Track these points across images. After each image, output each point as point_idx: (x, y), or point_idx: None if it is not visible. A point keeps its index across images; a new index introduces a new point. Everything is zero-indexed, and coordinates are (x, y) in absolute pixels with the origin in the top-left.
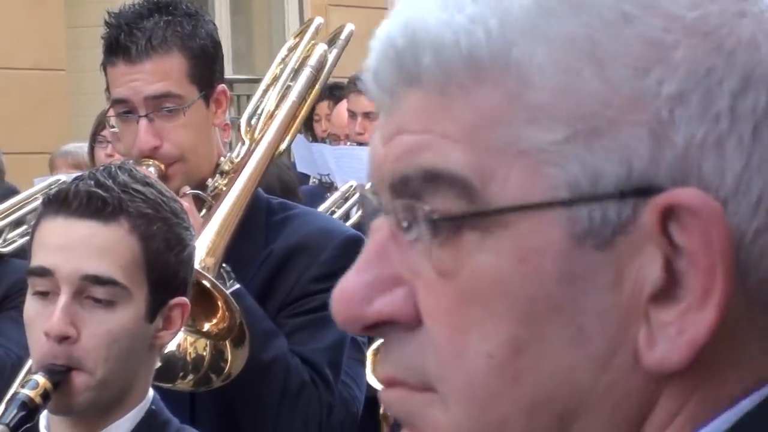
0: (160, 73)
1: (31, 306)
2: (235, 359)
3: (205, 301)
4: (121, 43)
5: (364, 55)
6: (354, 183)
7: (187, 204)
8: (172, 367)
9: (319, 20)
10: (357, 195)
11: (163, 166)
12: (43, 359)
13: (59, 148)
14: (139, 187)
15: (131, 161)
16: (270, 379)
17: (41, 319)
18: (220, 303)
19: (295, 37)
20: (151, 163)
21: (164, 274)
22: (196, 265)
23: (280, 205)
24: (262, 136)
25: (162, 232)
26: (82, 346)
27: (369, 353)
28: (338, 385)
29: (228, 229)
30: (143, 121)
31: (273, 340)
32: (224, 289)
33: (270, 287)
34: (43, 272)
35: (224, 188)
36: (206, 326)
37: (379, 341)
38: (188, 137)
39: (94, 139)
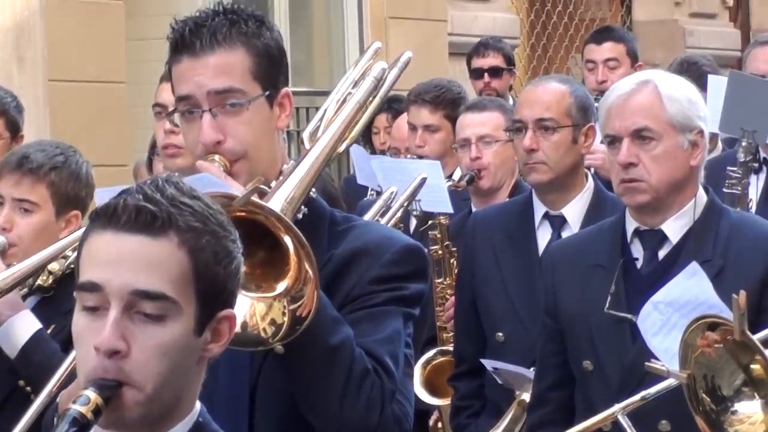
0: (224, 67)
1: (80, 321)
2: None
3: (268, 265)
4: (186, 39)
5: (423, 67)
6: (395, 189)
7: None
8: (248, 343)
9: (377, 45)
10: (399, 201)
11: (227, 163)
12: (93, 374)
13: (141, 157)
14: (186, 200)
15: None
16: (336, 363)
17: (91, 333)
18: (290, 253)
19: (355, 65)
20: (216, 158)
21: (213, 287)
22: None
23: (343, 218)
24: (321, 136)
25: (210, 245)
26: (132, 361)
27: (417, 367)
28: (399, 374)
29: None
30: (206, 116)
31: (339, 326)
32: (293, 225)
33: (331, 288)
34: (93, 287)
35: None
36: (279, 287)
37: (428, 354)
38: (251, 134)
39: (153, 151)
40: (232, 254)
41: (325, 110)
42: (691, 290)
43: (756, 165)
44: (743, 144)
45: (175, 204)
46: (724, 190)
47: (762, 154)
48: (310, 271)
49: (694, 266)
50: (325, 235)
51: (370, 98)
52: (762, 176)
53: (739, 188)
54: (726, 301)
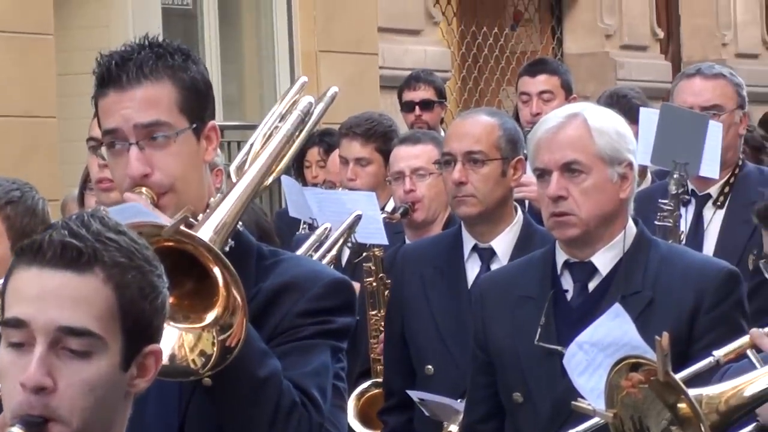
0: (151, 100)
1: (5, 357)
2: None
3: (197, 295)
4: (113, 73)
5: (354, 101)
6: (329, 225)
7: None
8: (178, 374)
9: (303, 79)
10: (332, 238)
11: (154, 196)
12: (20, 410)
13: (71, 192)
14: (112, 235)
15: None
16: (264, 396)
17: (17, 369)
18: (219, 283)
19: (282, 98)
20: (144, 190)
21: (139, 322)
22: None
23: (271, 252)
24: (248, 169)
25: (136, 280)
26: (58, 397)
27: (352, 399)
28: (327, 407)
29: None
30: (134, 149)
31: (267, 358)
32: (222, 255)
33: (259, 322)
34: (18, 323)
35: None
36: (208, 317)
37: (362, 386)
38: (178, 167)
39: (85, 185)
40: (158, 289)
41: (252, 144)
42: (614, 331)
43: (687, 197)
44: (675, 176)
45: (101, 239)
46: (656, 222)
47: (690, 186)
48: (239, 300)
49: (617, 308)
50: (252, 269)
51: (297, 132)
52: (691, 208)
53: (671, 220)
54: (655, 332)
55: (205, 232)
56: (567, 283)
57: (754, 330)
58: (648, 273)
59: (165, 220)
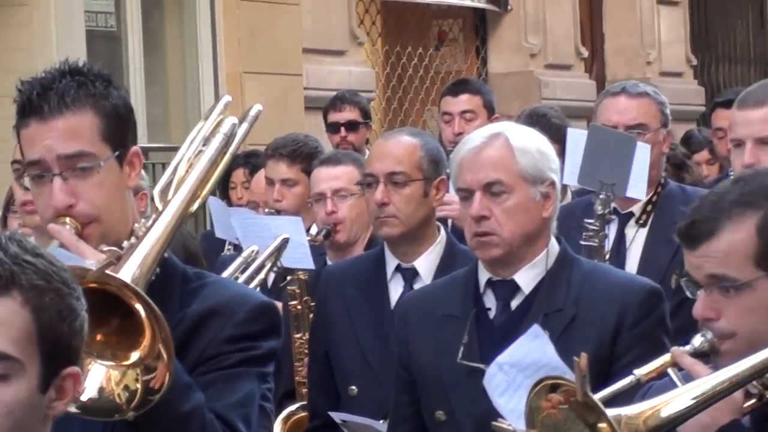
0: (74, 131)
1: None
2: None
3: (123, 333)
4: (34, 103)
5: (279, 122)
6: (256, 248)
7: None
8: (103, 411)
9: (227, 98)
10: (259, 260)
11: (78, 226)
12: None
13: None
14: (29, 258)
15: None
16: (187, 431)
17: None
18: (143, 322)
19: (206, 117)
20: (67, 221)
21: (57, 345)
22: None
23: (196, 275)
24: (173, 198)
25: (54, 303)
26: None
27: (278, 421)
28: None
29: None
30: (57, 180)
31: (191, 392)
32: (146, 297)
33: (184, 348)
34: None
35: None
36: (133, 356)
37: (290, 408)
38: (103, 196)
39: (8, 208)
40: (76, 311)
41: (176, 167)
42: (533, 352)
43: (611, 216)
44: (601, 197)
45: (18, 262)
46: (581, 242)
47: (614, 205)
48: (163, 350)
49: (536, 329)
50: (177, 294)
51: (221, 155)
52: (614, 226)
53: (597, 240)
54: (578, 349)
55: (129, 269)
56: (490, 301)
57: (675, 348)
58: (570, 291)
59: (90, 259)
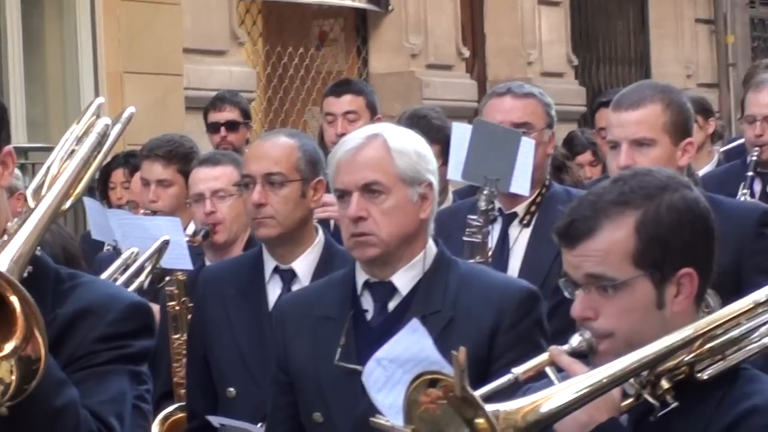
0: None
1: None
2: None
3: None
4: None
5: (160, 122)
6: (136, 249)
7: None
8: None
9: (100, 100)
10: (139, 262)
11: None
12: None
13: None
14: None
15: None
16: (61, 425)
17: None
18: (17, 313)
19: (79, 118)
20: None
21: None
22: None
23: (69, 276)
24: (44, 196)
25: None
26: None
27: (156, 422)
28: None
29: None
30: None
31: (65, 387)
32: (19, 285)
33: (57, 347)
34: None
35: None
36: (6, 347)
37: (168, 409)
38: None
39: None
40: None
41: (49, 167)
42: (412, 347)
43: (495, 214)
44: (485, 192)
45: None
46: (464, 238)
47: (498, 205)
48: (38, 334)
49: (415, 323)
50: (49, 294)
51: (94, 155)
52: (497, 226)
53: (480, 236)
54: (456, 351)
55: (2, 261)
56: (367, 303)
57: (552, 347)
58: (448, 292)
59: None
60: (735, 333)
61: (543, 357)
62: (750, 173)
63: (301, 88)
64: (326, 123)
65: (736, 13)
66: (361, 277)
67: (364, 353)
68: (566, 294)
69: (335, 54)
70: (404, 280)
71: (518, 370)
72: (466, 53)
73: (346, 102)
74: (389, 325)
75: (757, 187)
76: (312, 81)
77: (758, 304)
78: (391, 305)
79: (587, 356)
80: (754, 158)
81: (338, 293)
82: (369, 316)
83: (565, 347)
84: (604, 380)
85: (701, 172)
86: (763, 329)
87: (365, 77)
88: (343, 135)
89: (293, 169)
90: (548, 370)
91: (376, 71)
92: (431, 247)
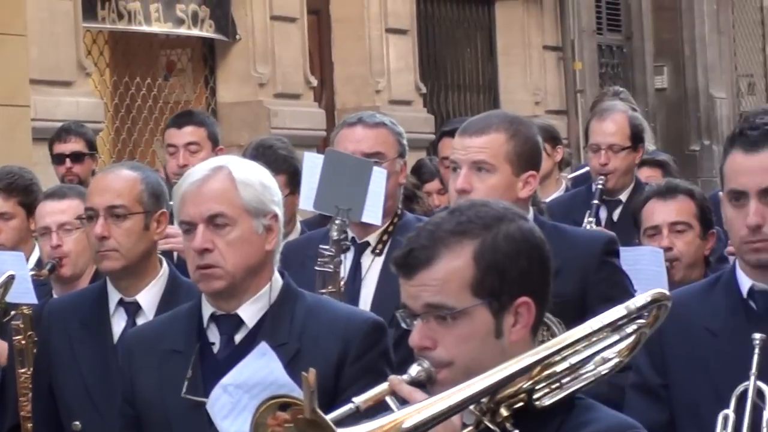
0: None
1: None
2: None
3: None
4: None
5: (7, 153)
6: None
7: None
8: None
9: None
10: None
11: None
12: None
13: None
14: None
15: None
16: None
17: None
18: None
19: None
20: None
21: None
22: None
23: None
24: None
25: None
26: None
27: None
28: None
29: None
30: None
31: None
32: None
33: None
34: None
35: None
36: None
37: None
38: None
39: None
40: None
41: None
42: (260, 371)
43: (347, 243)
44: (337, 222)
45: None
46: (316, 268)
47: (350, 234)
48: None
49: (263, 347)
50: None
51: None
52: (350, 255)
53: (332, 266)
54: (301, 384)
55: None
56: (214, 335)
57: (392, 377)
58: (294, 324)
59: None
60: (573, 360)
61: (383, 386)
62: (595, 201)
63: (149, 118)
64: (168, 154)
65: (583, 40)
66: (207, 309)
67: (211, 386)
68: (404, 325)
69: (183, 84)
70: (250, 312)
71: (359, 400)
72: (314, 82)
73: (188, 133)
74: (236, 358)
75: (603, 214)
76: (160, 111)
77: (594, 332)
78: (238, 338)
79: (426, 386)
80: (600, 186)
81: (185, 326)
82: (216, 348)
83: (405, 377)
84: (444, 408)
85: (549, 200)
86: (597, 358)
87: (213, 107)
88: (185, 166)
89: (136, 202)
90: (388, 399)
91: (224, 101)
92: (277, 279)
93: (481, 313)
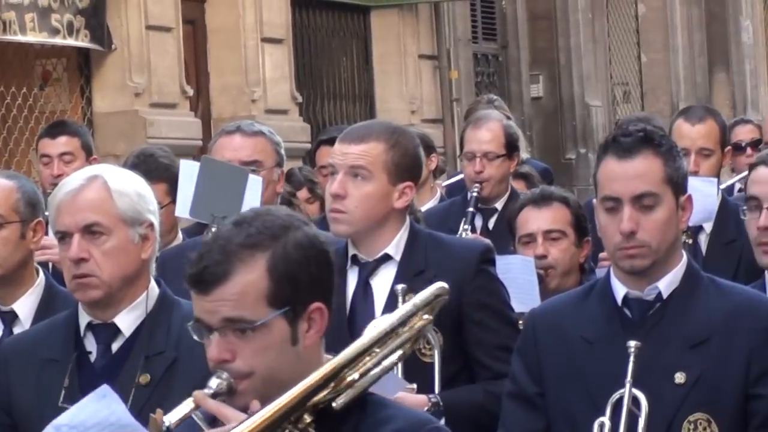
0: None
1: None
2: None
3: None
4: None
5: None
6: None
7: None
8: None
9: None
10: None
11: None
12: None
13: None
14: None
15: None
16: None
17: None
18: None
19: None
20: None
21: None
22: None
23: None
24: None
25: None
26: None
27: None
28: None
29: None
30: None
31: None
32: None
33: None
34: None
35: None
36: None
37: None
38: None
39: None
40: None
41: None
42: (100, 412)
43: None
44: (213, 230)
45: None
46: None
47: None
48: None
49: (104, 388)
50: None
51: None
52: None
53: None
54: (180, 392)
55: None
56: (91, 344)
57: (196, 392)
58: (171, 333)
59: None
60: (370, 364)
61: (188, 402)
62: (471, 209)
63: (24, 128)
64: (42, 165)
65: (459, 49)
66: (84, 318)
67: (88, 394)
68: (195, 338)
69: (59, 93)
70: (127, 321)
71: (169, 419)
72: (190, 92)
73: (62, 143)
74: (113, 367)
75: (478, 222)
76: (36, 121)
77: (386, 333)
78: (115, 346)
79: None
80: (475, 194)
81: (62, 335)
82: (93, 357)
83: (207, 390)
84: (257, 424)
85: (424, 208)
86: (384, 352)
87: (89, 116)
88: (59, 176)
89: (12, 211)
90: (194, 415)
91: (100, 110)
92: (154, 288)
93: (278, 324)
